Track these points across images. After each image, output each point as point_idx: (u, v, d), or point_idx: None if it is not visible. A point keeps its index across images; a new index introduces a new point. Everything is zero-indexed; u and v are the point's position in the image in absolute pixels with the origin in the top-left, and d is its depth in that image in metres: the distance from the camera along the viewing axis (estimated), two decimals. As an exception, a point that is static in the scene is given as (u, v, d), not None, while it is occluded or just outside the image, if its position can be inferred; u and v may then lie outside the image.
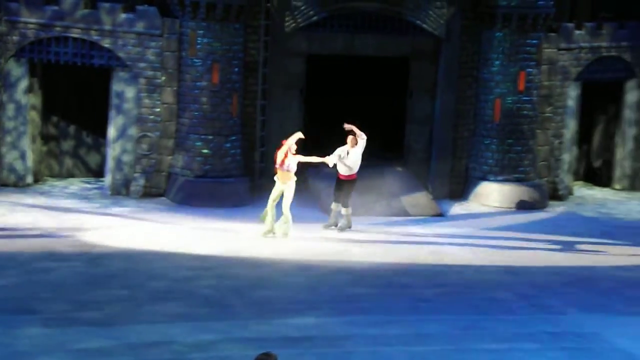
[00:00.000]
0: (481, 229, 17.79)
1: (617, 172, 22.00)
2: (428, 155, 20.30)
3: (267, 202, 16.45)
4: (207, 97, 18.77)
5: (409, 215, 18.38)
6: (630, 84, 21.69)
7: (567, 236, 17.56)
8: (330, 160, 16.83)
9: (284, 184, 16.24)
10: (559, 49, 20.34)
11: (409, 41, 20.12)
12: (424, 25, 19.66)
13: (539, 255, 16.24)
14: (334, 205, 17.10)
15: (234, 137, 19.00)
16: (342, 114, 21.30)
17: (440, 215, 18.63)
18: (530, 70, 19.79)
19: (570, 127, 20.97)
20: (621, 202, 20.84)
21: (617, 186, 21.95)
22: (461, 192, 19.99)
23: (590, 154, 22.74)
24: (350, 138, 16.95)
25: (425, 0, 19.55)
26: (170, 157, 19.11)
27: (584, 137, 22.13)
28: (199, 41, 18.63)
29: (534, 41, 19.75)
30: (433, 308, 13.13)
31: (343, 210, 16.97)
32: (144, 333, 11.47)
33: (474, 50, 20.01)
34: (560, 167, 20.82)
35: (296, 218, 16.60)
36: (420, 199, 19.12)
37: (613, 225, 18.72)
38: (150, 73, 18.93)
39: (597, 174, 22.50)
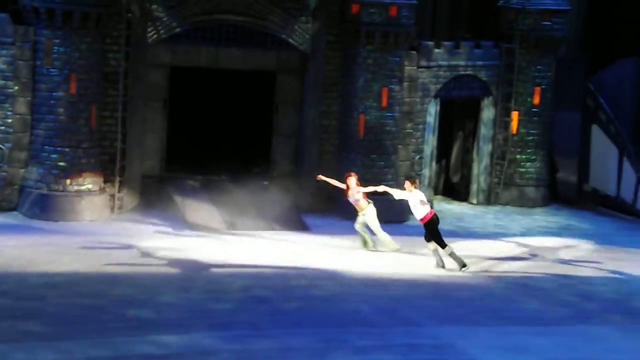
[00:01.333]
0: (344, 242, 18.06)
1: (474, 187, 22.77)
2: (294, 169, 20.52)
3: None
4: (64, 107, 18.41)
5: (275, 230, 18.51)
6: (486, 102, 22.52)
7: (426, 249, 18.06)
8: (394, 192, 17.14)
9: (362, 214, 17.43)
10: (419, 67, 20.95)
11: (274, 55, 20.34)
12: (290, 40, 19.91)
13: (397, 267, 16.65)
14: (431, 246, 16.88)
15: (92, 150, 18.67)
16: (208, 127, 21.41)
17: (306, 230, 18.83)
18: (393, 87, 20.31)
19: (430, 143, 21.60)
20: (477, 216, 21.57)
21: (474, 201, 22.71)
22: (326, 206, 20.21)
23: (449, 169, 23.47)
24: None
25: (290, 15, 19.79)
26: (23, 170, 18.60)
27: (443, 153, 22.83)
28: (55, 50, 18.28)
29: (396, 59, 20.29)
30: (294, 321, 13.29)
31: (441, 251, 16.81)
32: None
33: (339, 66, 20.38)
34: (421, 182, 21.39)
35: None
36: (287, 213, 19.30)
37: (470, 239, 19.33)
38: (1, 82, 18.42)
39: (455, 189, 23.22)
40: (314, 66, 20.25)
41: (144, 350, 11.72)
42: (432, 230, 16.51)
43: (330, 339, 12.60)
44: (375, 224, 17.36)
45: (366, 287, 15.29)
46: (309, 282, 15.33)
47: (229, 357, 11.66)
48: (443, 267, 16.60)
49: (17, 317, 12.41)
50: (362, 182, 20.15)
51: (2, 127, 18.51)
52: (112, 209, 18.79)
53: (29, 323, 12.16)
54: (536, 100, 22.63)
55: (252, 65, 20.32)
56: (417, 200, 16.55)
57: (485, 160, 22.70)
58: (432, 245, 16.59)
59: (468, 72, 21.95)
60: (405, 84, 20.70)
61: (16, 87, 18.44)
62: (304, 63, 20.33)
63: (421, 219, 16.58)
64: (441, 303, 14.71)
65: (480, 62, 22.06)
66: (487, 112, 22.61)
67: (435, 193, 22.76)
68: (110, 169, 19.03)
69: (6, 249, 15.94)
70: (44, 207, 18.18)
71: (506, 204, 22.67)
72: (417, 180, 17.36)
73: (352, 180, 17.35)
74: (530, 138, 22.73)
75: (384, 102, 20.18)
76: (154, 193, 19.62)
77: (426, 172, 21.56)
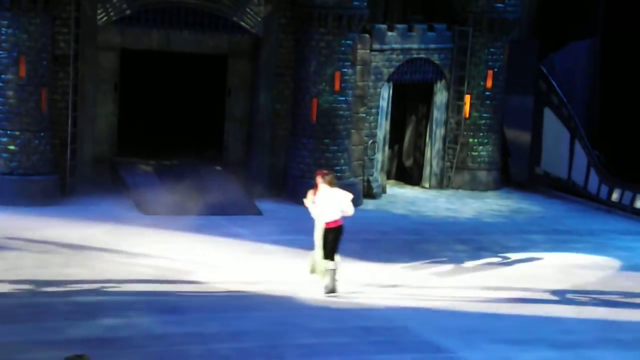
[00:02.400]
0: (298, 227, 18.01)
1: (427, 171, 22.83)
2: (246, 154, 20.40)
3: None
4: (14, 91, 18.12)
5: (228, 214, 18.40)
6: (439, 85, 22.55)
7: (378, 234, 18.09)
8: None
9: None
10: (372, 50, 20.90)
11: (227, 38, 20.16)
12: (242, 23, 19.75)
13: (351, 250, 16.64)
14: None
15: (42, 134, 18.42)
16: (160, 111, 21.19)
17: (259, 214, 18.74)
18: (346, 70, 20.24)
19: (383, 127, 21.59)
20: (430, 200, 21.63)
21: (427, 185, 22.77)
22: (280, 190, 20.19)
23: (402, 153, 23.49)
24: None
25: (242, -3, 19.62)
26: (-27, 154, 18.30)
27: (396, 137, 22.84)
28: (3, 32, 17.98)
29: (349, 42, 20.21)
30: (248, 305, 13.24)
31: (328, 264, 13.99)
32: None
33: (292, 49, 20.26)
34: (374, 166, 21.40)
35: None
36: (239, 197, 19.19)
37: (422, 222, 19.41)
38: (-51, 64, 18.10)
39: (408, 173, 23.27)
40: (266, 49, 20.11)
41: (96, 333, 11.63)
42: (336, 240, 13.89)
43: (287, 322, 12.59)
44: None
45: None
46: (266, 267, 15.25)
47: (181, 340, 11.61)
48: (333, 291, 13.86)
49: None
50: (316, 167, 20.13)
51: (-49, 111, 18.16)
52: (63, 192, 18.53)
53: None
54: (489, 83, 22.71)
55: (204, 48, 20.13)
56: (331, 200, 13.88)
57: (438, 144, 22.76)
58: (332, 264, 13.75)
59: (421, 56, 21.94)
60: (358, 67, 20.65)
61: (-36, 70, 18.11)
62: (256, 46, 20.18)
63: (333, 222, 13.86)
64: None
65: (433, 45, 22.06)
66: (440, 96, 22.65)
67: (388, 177, 22.78)
68: (61, 152, 18.77)
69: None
70: (-5, 190, 17.90)
71: (458, 187, 22.77)
72: (332, 175, 14.21)
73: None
74: (483, 122, 22.82)
75: (337, 86, 20.11)
76: (106, 177, 19.38)
77: (379, 156, 21.55)
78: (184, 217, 17.77)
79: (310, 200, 13.99)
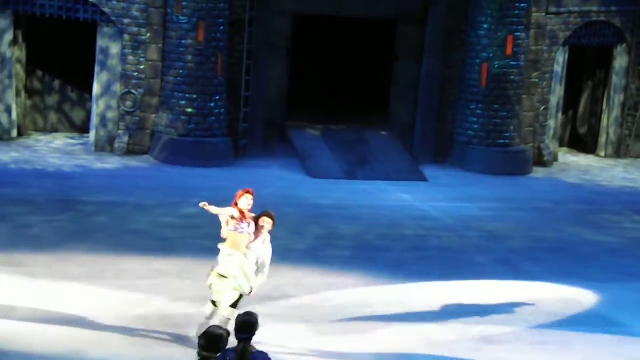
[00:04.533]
0: (464, 194, 17.79)
1: (602, 139, 22.00)
2: (412, 119, 20.25)
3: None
4: (192, 55, 18.63)
5: (392, 180, 18.37)
6: (619, 50, 21.62)
7: (549, 202, 17.61)
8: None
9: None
10: (547, 13, 20.23)
11: (395, 3, 20.00)
12: (411, -14, 19.51)
13: (521, 219, 16.28)
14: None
15: (218, 97, 18.90)
16: (328, 76, 21.32)
17: (424, 180, 18.61)
18: (518, 34, 19.69)
19: (557, 93, 20.93)
20: (605, 169, 20.87)
21: (602, 153, 21.96)
22: (445, 157, 19.97)
23: (576, 120, 22.73)
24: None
25: (414, -39, 19.39)
26: (154, 115, 19.02)
27: (570, 103, 22.11)
28: (184, -1, 18.50)
29: (523, 4, 19.63)
30: (414, 271, 13.19)
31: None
32: None
33: (462, 13, 19.89)
34: (546, 132, 20.81)
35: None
36: (404, 163, 19.11)
37: (596, 192, 18.76)
38: (134, 29, 18.78)
39: (582, 141, 22.50)
40: (435, 14, 19.81)
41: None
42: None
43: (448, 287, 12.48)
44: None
45: (484, 240, 15.00)
46: (430, 232, 15.14)
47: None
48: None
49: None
50: (484, 133, 19.76)
51: (135, 73, 18.89)
52: (236, 154, 18.99)
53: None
54: (673, 47, 21.60)
55: (373, 13, 20.05)
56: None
57: (616, 111, 21.87)
58: (228, 310, 9.94)
59: (600, 18, 21.08)
60: (532, 30, 20.04)
61: (148, 34, 18.75)
62: (425, 10, 19.92)
63: None
64: (563, 257, 14.32)
65: (614, 8, 21.14)
66: (620, 61, 21.72)
67: (561, 144, 22.10)
68: (234, 115, 19.23)
69: (137, 190, 16.35)
70: (172, 151, 18.53)
71: (637, 157, 21.84)
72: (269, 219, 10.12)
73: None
74: (665, 87, 21.77)
75: (509, 50, 19.60)
76: (275, 140, 19.72)
77: (551, 122, 20.91)
78: (350, 181, 17.87)
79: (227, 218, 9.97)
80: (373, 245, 14.29)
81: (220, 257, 9.99)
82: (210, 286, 10.07)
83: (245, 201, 10.00)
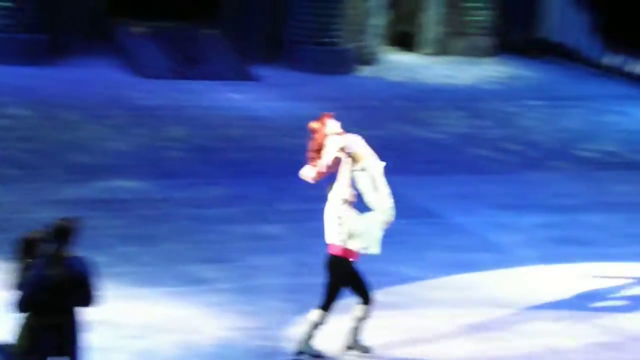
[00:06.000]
0: (295, 93, 17.97)
1: (425, 37, 22.55)
2: (244, 18, 20.06)
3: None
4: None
5: (223, 80, 18.31)
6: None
7: (375, 100, 18.06)
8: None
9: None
10: None
11: None
12: None
13: (348, 118, 16.60)
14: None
15: None
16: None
17: (255, 80, 18.64)
18: None
19: (381, -9, 21.21)
20: (428, 67, 21.47)
21: (425, 51, 22.53)
22: (277, 56, 19.97)
23: (400, 18, 23.15)
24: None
25: None
26: None
27: (394, 1, 22.47)
28: None
29: None
30: (244, 171, 13.37)
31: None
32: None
33: None
34: (370, 31, 21.13)
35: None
36: (234, 63, 19.04)
37: (419, 90, 19.33)
38: None
39: (406, 39, 22.98)
40: None
41: (91, 195, 11.81)
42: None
43: (279, 187, 12.72)
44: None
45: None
46: (261, 132, 15.31)
47: (183, 204, 11.78)
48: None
49: None
50: (311, 32, 19.79)
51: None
52: (55, 52, 18.21)
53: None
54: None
55: None
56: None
57: (436, 9, 22.38)
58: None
59: None
60: None
61: None
62: None
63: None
64: (389, 153, 14.81)
65: None
66: (439, -41, 22.15)
67: (385, 43, 22.52)
68: (53, 10, 18.21)
69: None
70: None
71: (457, 54, 22.56)
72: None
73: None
74: (482, -14, 22.44)
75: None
76: (99, 38, 19.07)
77: (375, 21, 21.24)
78: (179, 81, 17.73)
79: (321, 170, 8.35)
80: (206, 147, 14.35)
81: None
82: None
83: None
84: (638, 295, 10.13)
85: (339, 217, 8.14)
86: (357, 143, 8.25)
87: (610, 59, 21.32)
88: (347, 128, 15.71)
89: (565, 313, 9.58)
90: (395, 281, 10.04)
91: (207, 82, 18.04)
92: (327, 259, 8.22)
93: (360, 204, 8.36)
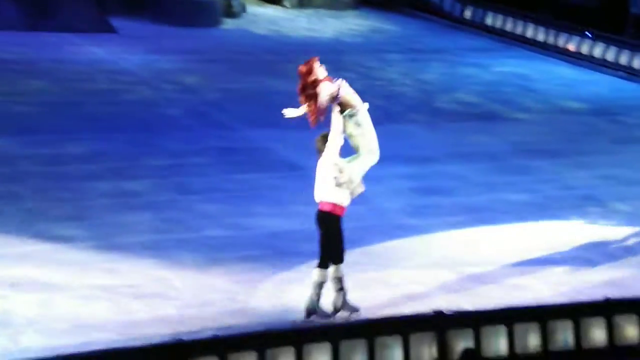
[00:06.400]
0: (156, 46, 17.67)
1: (287, -10, 22.52)
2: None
3: None
4: None
5: (79, 32, 17.80)
6: None
7: (239, 54, 17.95)
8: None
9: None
10: None
11: None
12: None
13: (212, 71, 16.50)
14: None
15: None
16: None
17: (114, 32, 18.21)
18: None
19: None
20: (290, 20, 21.48)
21: (287, 4, 22.51)
22: (139, 9, 19.52)
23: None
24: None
25: None
26: None
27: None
28: None
29: None
30: (105, 126, 13.10)
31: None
32: None
33: None
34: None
35: None
36: (91, 14, 18.52)
37: (282, 43, 19.32)
38: None
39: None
40: None
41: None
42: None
43: (141, 143, 12.53)
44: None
45: (177, 92, 15.11)
46: (121, 86, 15.01)
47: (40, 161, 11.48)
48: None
49: None
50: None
51: None
52: None
53: None
54: None
55: None
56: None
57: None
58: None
59: None
60: None
61: None
62: None
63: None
64: (255, 107, 14.79)
65: None
66: None
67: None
68: None
69: None
70: None
71: (318, 7, 22.62)
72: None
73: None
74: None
75: None
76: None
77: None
78: (32, 33, 17.16)
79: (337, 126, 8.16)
80: (65, 102, 13.98)
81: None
82: None
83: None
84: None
85: (336, 164, 8.14)
86: (345, 88, 8.22)
87: (470, 13, 21.82)
88: (211, 81, 15.77)
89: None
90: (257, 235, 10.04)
91: (63, 34, 17.50)
92: (318, 216, 8.26)
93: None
